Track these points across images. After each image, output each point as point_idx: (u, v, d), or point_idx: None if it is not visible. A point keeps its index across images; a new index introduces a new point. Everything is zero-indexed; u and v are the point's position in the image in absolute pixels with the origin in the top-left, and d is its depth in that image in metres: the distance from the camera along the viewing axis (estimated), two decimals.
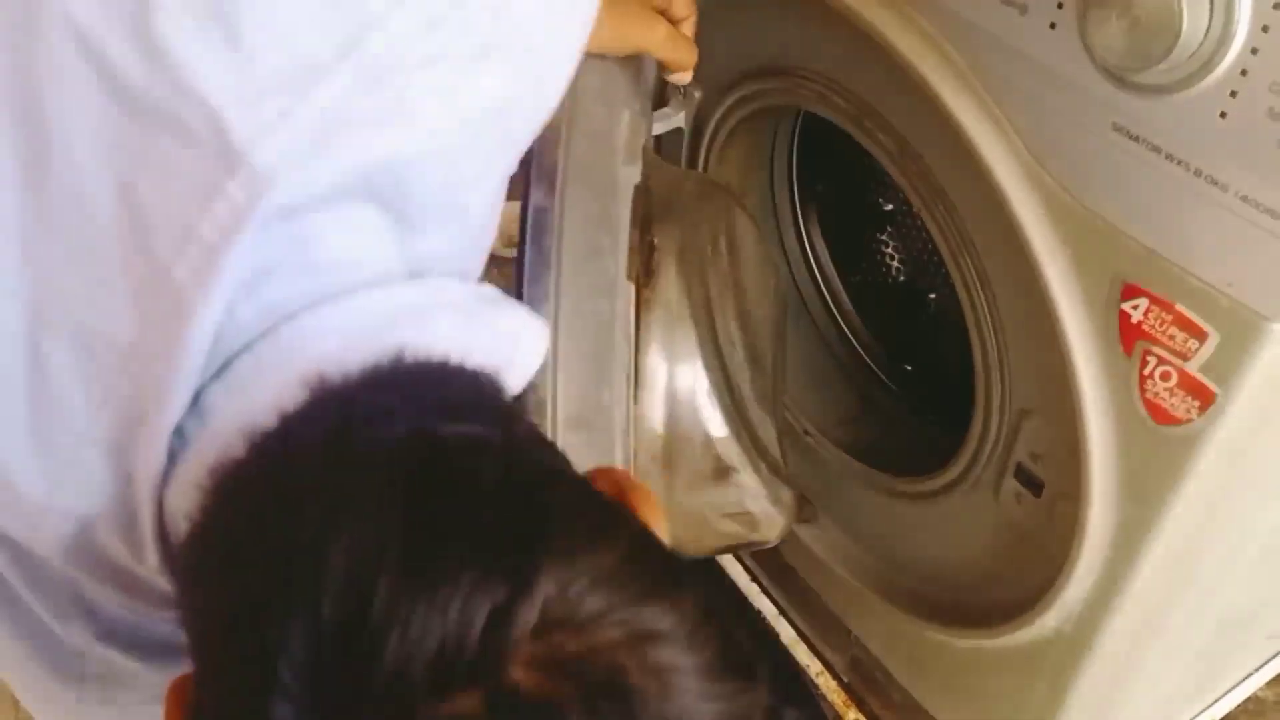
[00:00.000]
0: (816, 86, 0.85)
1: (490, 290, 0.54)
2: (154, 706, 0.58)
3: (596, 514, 0.39)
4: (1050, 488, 0.80)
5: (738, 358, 0.81)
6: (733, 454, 0.79)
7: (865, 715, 1.16)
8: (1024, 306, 0.74)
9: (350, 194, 0.47)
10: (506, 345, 0.51)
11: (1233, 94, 0.57)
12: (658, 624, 0.34)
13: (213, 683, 0.38)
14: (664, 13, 0.76)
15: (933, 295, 1.09)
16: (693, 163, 1.03)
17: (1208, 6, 0.56)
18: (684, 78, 0.80)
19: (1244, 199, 0.58)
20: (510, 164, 0.55)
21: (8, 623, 0.55)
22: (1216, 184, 0.59)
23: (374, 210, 0.48)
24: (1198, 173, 0.60)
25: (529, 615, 0.33)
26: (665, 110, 0.95)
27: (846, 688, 1.17)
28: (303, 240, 0.46)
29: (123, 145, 0.43)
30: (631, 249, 0.71)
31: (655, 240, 0.76)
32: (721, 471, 0.79)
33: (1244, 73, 0.57)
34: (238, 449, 0.43)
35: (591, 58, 0.71)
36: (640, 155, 0.72)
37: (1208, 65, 0.57)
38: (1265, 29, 0.56)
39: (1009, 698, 0.91)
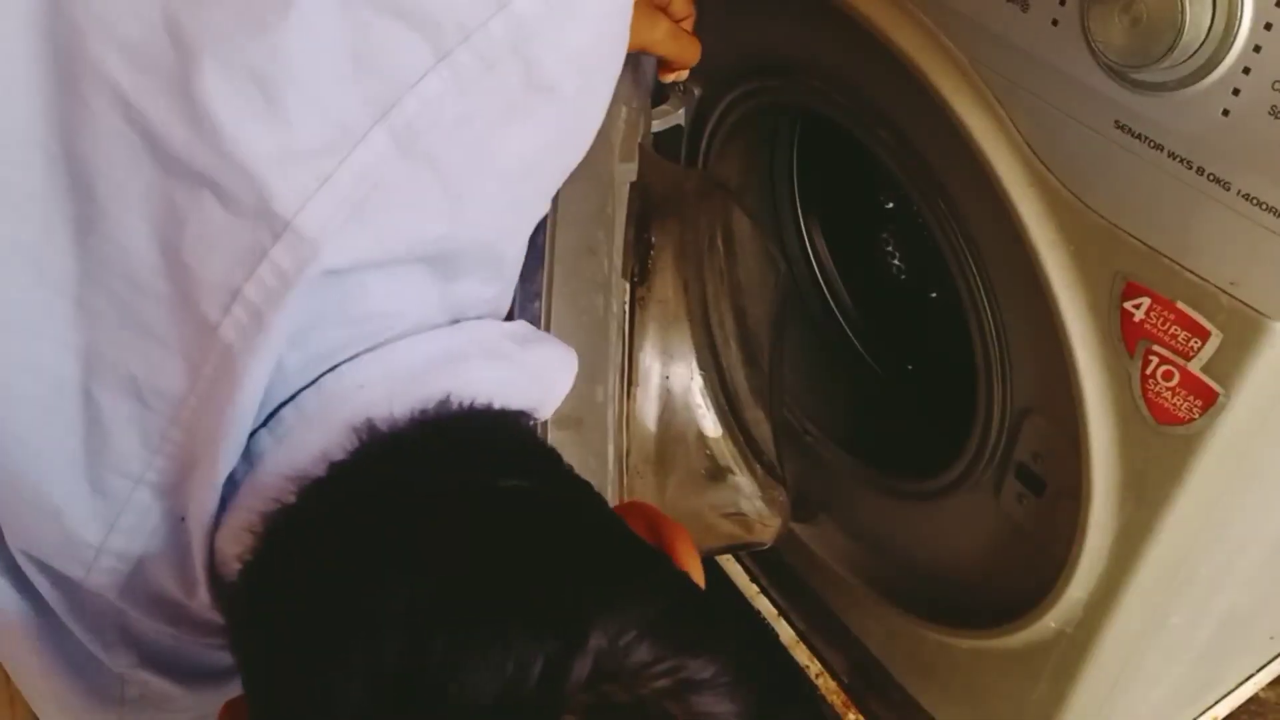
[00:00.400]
0: (817, 84, 0.85)
1: (521, 328, 0.56)
2: None
3: (642, 565, 0.41)
4: (1052, 487, 0.80)
5: (734, 356, 0.80)
6: (727, 454, 0.79)
7: (865, 716, 1.15)
8: (1025, 305, 0.74)
9: (401, 262, 0.48)
10: (539, 388, 0.54)
11: (1235, 92, 0.57)
12: (701, 673, 0.36)
13: (270, 716, 0.40)
14: (664, 11, 0.75)
15: (934, 294, 1.09)
16: (692, 160, 1.03)
17: (1210, 4, 0.56)
18: (682, 75, 0.79)
19: (1246, 197, 0.58)
20: (544, 208, 0.56)
21: (50, 650, 0.55)
22: (1219, 182, 0.59)
23: (421, 270, 0.49)
24: (1200, 171, 0.60)
25: (582, 669, 0.34)
26: (664, 108, 0.94)
27: (846, 688, 1.17)
28: (349, 296, 0.47)
29: (166, 207, 0.44)
30: (627, 246, 0.70)
31: (653, 238, 0.76)
32: (715, 471, 0.79)
33: (1246, 70, 0.56)
34: (288, 496, 0.45)
35: None
36: (636, 153, 0.72)
37: (1210, 63, 0.57)
38: (1268, 26, 0.55)
39: (1010, 698, 0.91)
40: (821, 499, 1.06)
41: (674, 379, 0.77)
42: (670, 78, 0.80)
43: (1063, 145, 0.66)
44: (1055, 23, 0.63)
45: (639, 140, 0.74)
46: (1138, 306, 0.66)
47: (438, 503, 0.42)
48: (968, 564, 0.92)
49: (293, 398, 0.48)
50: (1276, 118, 0.56)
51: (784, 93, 0.91)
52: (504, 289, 0.56)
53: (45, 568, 0.51)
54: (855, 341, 1.11)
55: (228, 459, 0.47)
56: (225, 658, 0.58)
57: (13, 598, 0.53)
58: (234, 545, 0.46)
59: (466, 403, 0.48)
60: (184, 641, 0.55)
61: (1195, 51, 0.57)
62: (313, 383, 0.47)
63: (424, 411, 0.46)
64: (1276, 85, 0.55)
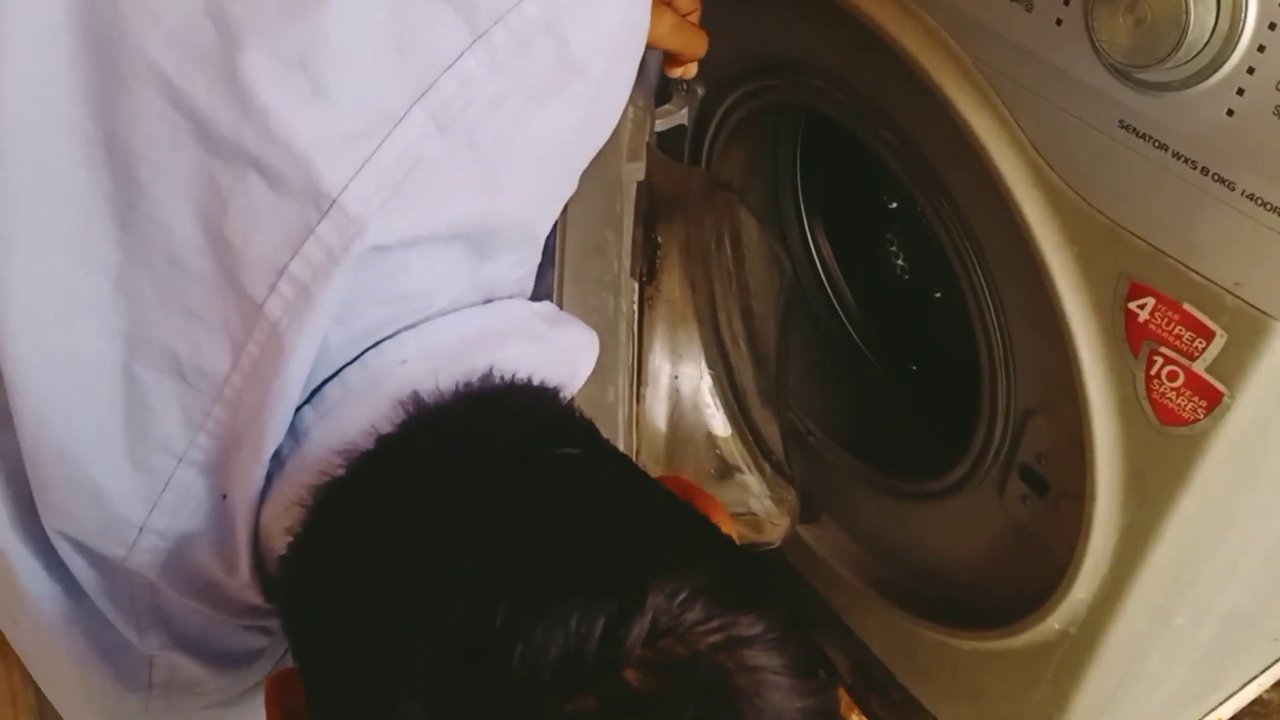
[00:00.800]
0: (820, 84, 0.85)
1: (549, 309, 0.57)
2: (217, 710, 0.61)
3: (692, 530, 0.43)
4: (1055, 488, 0.80)
5: (742, 356, 0.80)
6: (736, 453, 0.79)
7: (867, 716, 1.15)
8: (1029, 305, 0.74)
9: (441, 239, 0.49)
10: (570, 364, 0.55)
11: (1240, 91, 0.57)
12: (751, 630, 0.38)
13: (330, 683, 0.41)
14: (669, 5, 0.75)
15: (938, 294, 1.09)
16: (696, 160, 1.03)
17: (1214, 4, 0.56)
18: (692, 71, 0.79)
19: (1251, 197, 0.58)
20: (572, 188, 0.58)
21: (79, 634, 0.56)
22: (1223, 182, 0.59)
23: (459, 248, 0.51)
24: (1205, 171, 0.60)
25: (641, 628, 0.36)
26: (668, 107, 0.94)
27: (848, 688, 1.17)
28: (390, 275, 0.49)
29: (210, 188, 0.45)
30: (635, 246, 0.70)
31: (659, 238, 0.76)
32: (724, 471, 0.79)
33: (1251, 70, 0.56)
34: (337, 469, 0.46)
35: None
36: (644, 152, 0.72)
37: (1214, 63, 0.57)
38: (1272, 26, 0.55)
39: (1012, 699, 0.91)
40: (824, 500, 1.06)
41: (683, 379, 0.77)
42: (677, 72, 0.80)
43: (1067, 145, 0.66)
44: (1059, 22, 0.63)
45: (645, 139, 0.74)
46: (1142, 307, 0.66)
47: (490, 471, 0.44)
48: (971, 565, 0.92)
49: (336, 374, 0.49)
50: None
51: (787, 92, 0.91)
52: (531, 271, 0.57)
53: (83, 548, 0.52)
54: (858, 342, 1.11)
55: (274, 435, 0.47)
56: (253, 641, 0.59)
57: (43, 580, 0.54)
58: (282, 520, 0.47)
59: (507, 377, 0.49)
60: (216, 622, 0.56)
61: (1199, 51, 0.57)
62: (355, 359, 0.49)
63: (468, 385, 0.48)
64: None
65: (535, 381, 0.50)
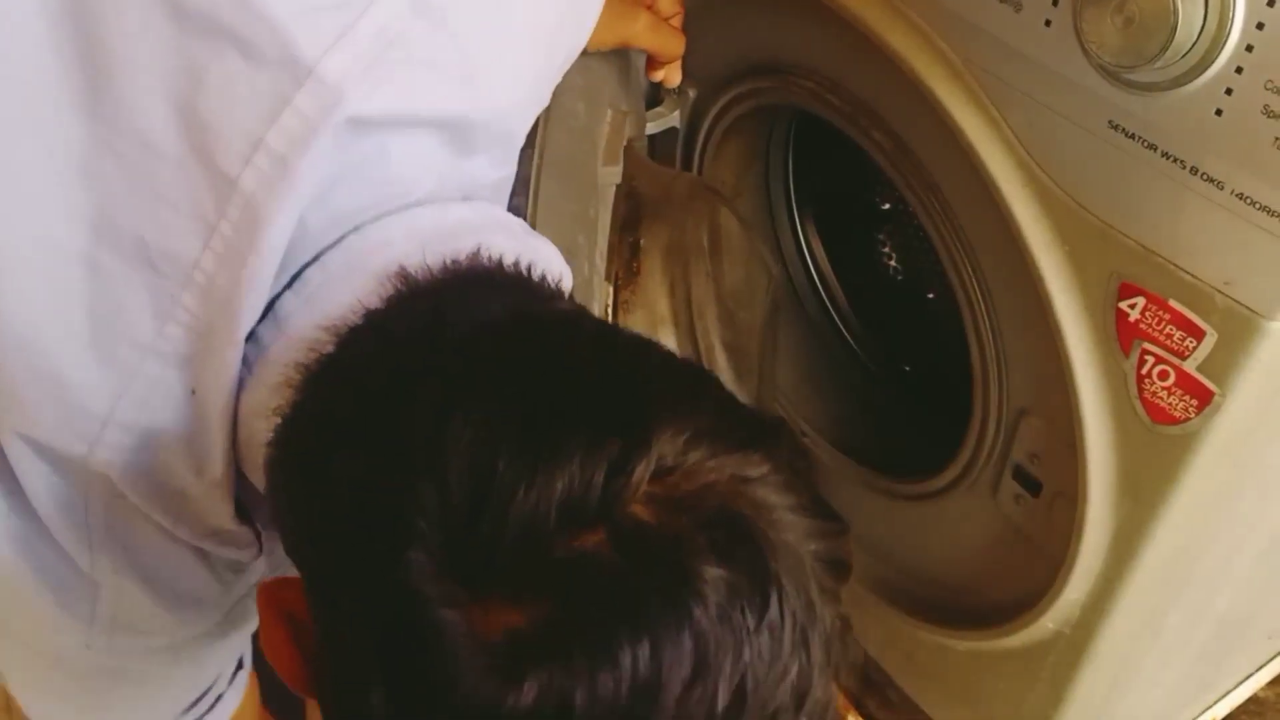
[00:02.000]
0: (811, 85, 0.85)
1: (523, 223, 0.57)
2: (162, 658, 0.60)
3: (689, 377, 0.44)
4: (1049, 488, 0.80)
5: (720, 361, 0.80)
6: None
7: (863, 717, 1.15)
8: (1021, 306, 0.74)
9: (420, 126, 0.49)
10: (556, 265, 0.55)
11: (1228, 91, 0.57)
12: (757, 470, 0.38)
13: (330, 558, 0.41)
14: (650, 9, 0.75)
15: (930, 295, 1.09)
16: (687, 163, 1.03)
17: (1202, 4, 0.56)
18: (675, 76, 0.79)
19: (1240, 197, 0.58)
20: (550, 89, 0.58)
21: (20, 552, 0.55)
22: (1213, 182, 0.59)
23: (438, 138, 0.51)
24: (1194, 170, 0.60)
25: (646, 462, 0.36)
26: (659, 110, 0.94)
27: (844, 689, 1.17)
28: (368, 158, 0.48)
29: (183, 65, 0.45)
30: (611, 250, 0.70)
31: (642, 241, 0.75)
32: None
33: (1239, 70, 0.56)
34: (326, 346, 0.45)
35: None
36: (621, 156, 0.72)
37: (1203, 63, 0.57)
38: (1260, 26, 0.55)
39: (1008, 699, 0.91)
40: None
41: None
42: (658, 76, 0.80)
43: (1057, 146, 0.66)
44: (1048, 23, 0.63)
45: (625, 144, 0.73)
46: (1133, 306, 0.66)
47: (487, 326, 0.44)
48: (965, 565, 0.92)
49: (316, 260, 0.48)
50: (1270, 117, 0.56)
51: (778, 94, 0.91)
52: (507, 178, 0.57)
53: (43, 450, 0.51)
54: (851, 343, 1.11)
55: (248, 316, 0.47)
56: (206, 582, 0.58)
57: None
58: (267, 403, 0.47)
59: (495, 258, 0.49)
60: (173, 549, 0.55)
61: (1188, 51, 0.57)
62: (336, 244, 0.49)
63: (455, 262, 0.47)
64: (1269, 85, 0.55)
65: (523, 266, 0.50)
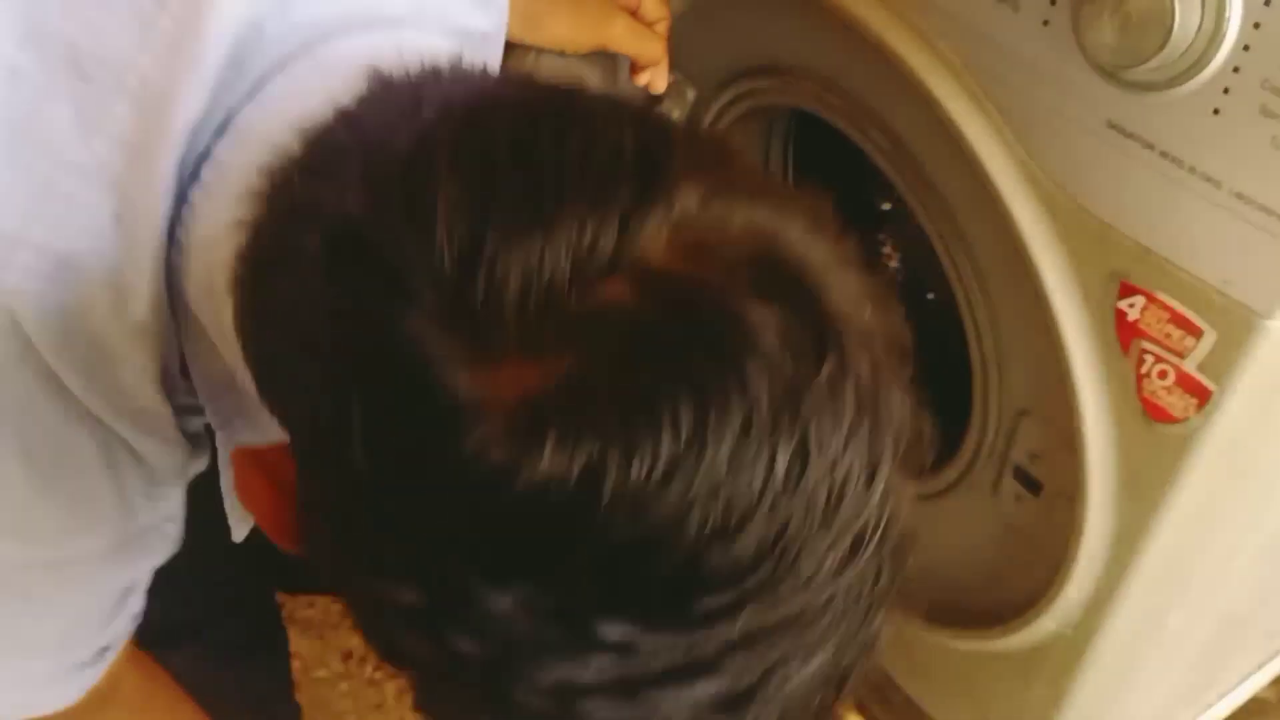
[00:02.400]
0: (810, 85, 0.85)
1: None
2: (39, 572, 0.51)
3: (709, 139, 0.40)
4: (1049, 488, 0.80)
5: None
6: None
7: (864, 717, 1.15)
8: (1020, 305, 0.74)
9: None
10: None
11: (1225, 91, 0.57)
12: (789, 223, 0.35)
13: (322, 344, 0.36)
14: (634, 14, 0.75)
15: (930, 295, 1.09)
16: None
17: (1199, 3, 0.56)
18: (660, 82, 0.78)
19: (1238, 196, 0.58)
20: None
21: None
22: (1211, 181, 0.59)
23: None
24: (1192, 170, 0.60)
25: (667, 207, 0.33)
26: (659, 111, 0.94)
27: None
28: None
29: None
30: None
31: None
32: None
33: (1236, 70, 0.56)
34: (293, 149, 0.41)
35: (551, 55, 0.70)
36: None
37: (1200, 62, 0.57)
38: (1257, 25, 0.55)
39: (1008, 699, 0.91)
40: None
41: None
42: (643, 79, 0.79)
43: (1055, 145, 0.66)
44: (1046, 23, 0.64)
45: None
46: (1132, 306, 0.66)
47: (475, 99, 0.40)
48: (965, 565, 0.92)
49: (281, 70, 0.45)
50: (1267, 116, 0.56)
51: (778, 94, 0.91)
52: (493, 36, 0.54)
53: None
54: None
55: (187, 112, 0.43)
56: (110, 496, 0.52)
57: None
58: (223, 216, 0.42)
59: (479, 65, 0.45)
60: (77, 434, 0.49)
61: (1185, 51, 0.57)
62: (303, 55, 0.45)
63: (435, 67, 0.43)
64: (1266, 84, 0.55)
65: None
